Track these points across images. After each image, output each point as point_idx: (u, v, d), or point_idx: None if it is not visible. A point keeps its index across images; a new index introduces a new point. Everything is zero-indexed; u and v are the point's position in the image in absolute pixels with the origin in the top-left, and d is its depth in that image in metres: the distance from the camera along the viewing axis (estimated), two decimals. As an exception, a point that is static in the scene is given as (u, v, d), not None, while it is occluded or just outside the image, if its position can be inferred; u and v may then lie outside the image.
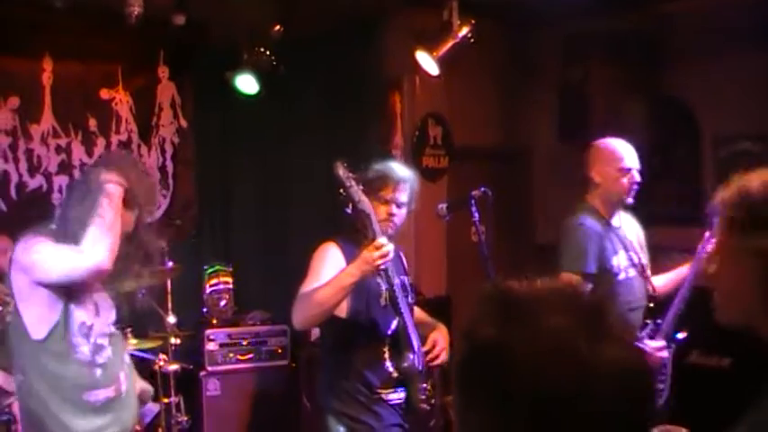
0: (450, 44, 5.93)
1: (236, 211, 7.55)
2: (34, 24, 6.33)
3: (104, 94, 6.97)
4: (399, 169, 4.04)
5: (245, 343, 6.59)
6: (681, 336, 4.52)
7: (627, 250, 4.51)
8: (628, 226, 4.63)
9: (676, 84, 6.78)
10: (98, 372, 3.47)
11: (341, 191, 3.73)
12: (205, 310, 6.84)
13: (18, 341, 3.44)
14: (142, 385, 4.10)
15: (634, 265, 4.52)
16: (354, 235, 3.91)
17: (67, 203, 3.53)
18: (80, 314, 3.43)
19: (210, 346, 6.49)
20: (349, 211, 3.80)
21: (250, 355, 6.58)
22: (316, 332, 6.29)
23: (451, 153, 7.24)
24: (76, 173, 6.85)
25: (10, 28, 6.22)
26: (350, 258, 3.82)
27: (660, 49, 6.73)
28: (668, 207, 6.77)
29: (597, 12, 6.41)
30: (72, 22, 6.29)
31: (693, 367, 5.81)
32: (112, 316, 3.63)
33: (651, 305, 4.53)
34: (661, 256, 4.82)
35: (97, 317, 3.51)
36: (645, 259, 4.62)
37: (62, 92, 6.74)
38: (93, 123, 6.92)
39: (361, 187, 3.74)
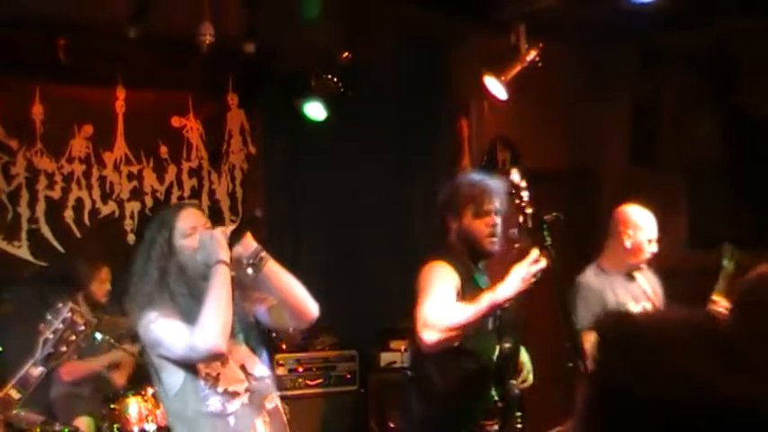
0: (518, 68, 5.90)
1: (305, 236, 7.56)
2: (108, 54, 6.46)
3: (175, 121, 7.08)
4: (491, 179, 3.96)
5: (314, 368, 6.59)
6: None
7: (637, 301, 4.62)
8: (642, 279, 4.77)
9: (750, 102, 6.63)
10: (231, 420, 3.45)
11: (522, 195, 3.71)
12: (274, 334, 6.86)
13: (163, 397, 3.58)
14: None
15: None
16: (456, 254, 3.83)
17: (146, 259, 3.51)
18: (203, 367, 3.43)
19: (280, 371, 6.49)
20: (521, 220, 3.74)
21: (319, 380, 6.58)
22: (386, 357, 6.27)
23: (520, 176, 7.18)
24: (148, 199, 6.96)
25: (85, 58, 6.36)
26: (463, 276, 3.73)
27: (735, 67, 6.60)
28: (741, 230, 6.61)
29: (670, 28, 6.31)
30: (144, 51, 6.42)
31: None
32: (252, 363, 3.57)
33: None
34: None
35: (224, 367, 3.48)
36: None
37: (134, 120, 6.86)
38: (164, 151, 7.03)
39: (460, 215, 3.75)
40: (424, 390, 3.91)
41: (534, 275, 3.55)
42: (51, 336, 3.15)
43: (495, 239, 3.82)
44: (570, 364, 4.20)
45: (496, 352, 3.77)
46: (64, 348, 3.19)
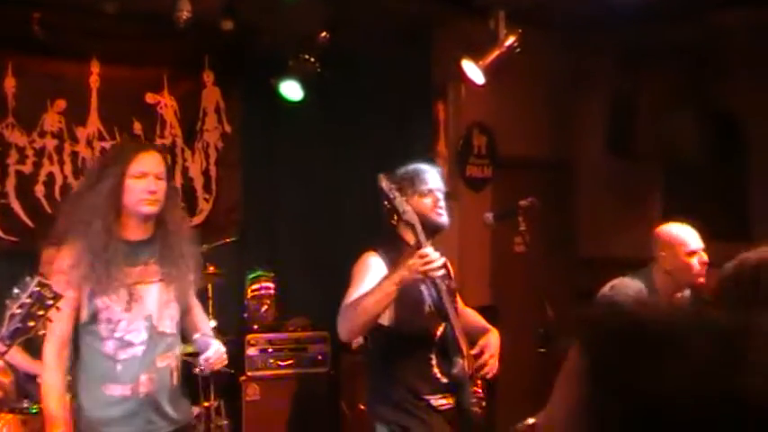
0: (496, 54, 5.90)
1: (281, 217, 7.53)
2: (83, 28, 6.38)
3: (150, 98, 7.00)
4: (425, 165, 4.08)
5: (285, 349, 6.58)
6: None
7: None
8: None
9: (727, 97, 6.67)
10: (119, 367, 3.58)
11: (385, 203, 3.71)
12: (246, 315, 6.84)
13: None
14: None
15: None
16: (395, 244, 3.89)
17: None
18: (107, 309, 3.57)
19: (251, 351, 6.49)
20: (394, 222, 3.80)
21: (290, 361, 6.57)
22: (358, 340, 6.26)
23: (496, 163, 7.19)
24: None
25: (59, 32, 6.27)
26: (396, 263, 3.78)
27: (712, 62, 6.62)
28: (714, 222, 6.65)
29: (649, 22, 6.32)
30: (120, 26, 6.34)
31: None
32: (161, 317, 3.67)
33: None
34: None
35: (128, 313, 3.58)
36: None
37: (108, 95, 6.78)
38: (138, 127, 6.95)
39: (405, 197, 3.73)
40: (374, 372, 4.09)
41: (422, 270, 3.57)
42: (18, 311, 3.10)
43: (441, 211, 3.91)
44: (542, 350, 4.23)
45: (438, 333, 3.88)
46: (32, 323, 3.14)
